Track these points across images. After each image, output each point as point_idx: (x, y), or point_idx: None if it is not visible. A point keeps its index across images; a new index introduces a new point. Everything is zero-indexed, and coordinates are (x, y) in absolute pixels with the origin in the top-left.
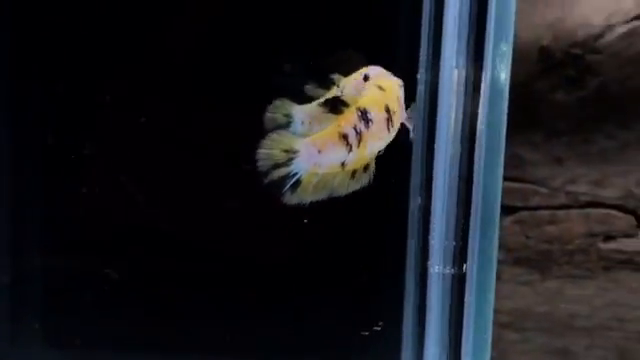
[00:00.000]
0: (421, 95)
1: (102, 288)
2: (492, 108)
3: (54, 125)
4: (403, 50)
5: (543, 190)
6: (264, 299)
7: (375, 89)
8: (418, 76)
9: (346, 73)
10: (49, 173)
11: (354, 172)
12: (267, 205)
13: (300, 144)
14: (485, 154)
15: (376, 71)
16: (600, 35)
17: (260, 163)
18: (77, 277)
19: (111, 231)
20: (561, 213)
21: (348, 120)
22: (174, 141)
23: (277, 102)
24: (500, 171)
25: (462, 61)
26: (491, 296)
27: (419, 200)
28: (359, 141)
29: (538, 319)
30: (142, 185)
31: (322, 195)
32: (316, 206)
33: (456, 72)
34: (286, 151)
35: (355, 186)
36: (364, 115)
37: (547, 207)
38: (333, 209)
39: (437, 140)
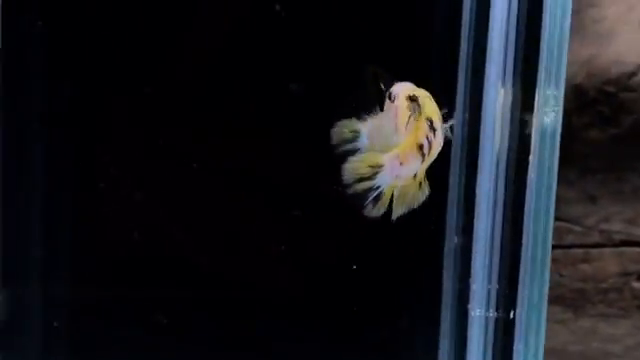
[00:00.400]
0: (458, 133)
1: (133, 321)
2: (542, 152)
3: (89, 160)
4: (440, 89)
5: (577, 228)
6: (296, 338)
7: (429, 99)
8: (454, 121)
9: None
10: (83, 205)
11: (420, 183)
12: (302, 245)
13: (385, 159)
14: (535, 198)
15: (408, 85)
16: (634, 73)
17: (345, 176)
18: (108, 309)
19: (145, 263)
20: (595, 252)
21: (423, 130)
22: (214, 176)
23: (345, 121)
24: (551, 214)
25: (507, 103)
26: (541, 343)
27: (456, 239)
28: (429, 150)
29: (572, 358)
30: (178, 218)
31: (401, 210)
32: (346, 246)
33: (500, 112)
34: (372, 166)
35: (422, 198)
36: (431, 124)
37: (581, 245)
38: (364, 247)
39: (479, 182)
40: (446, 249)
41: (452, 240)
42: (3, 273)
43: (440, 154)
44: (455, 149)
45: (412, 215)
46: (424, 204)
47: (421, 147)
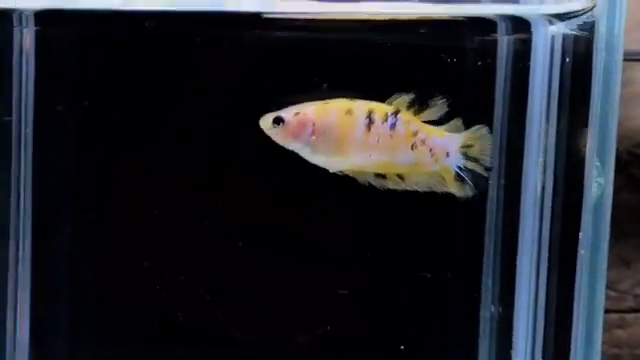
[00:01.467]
0: (493, 198)
1: None
2: (587, 221)
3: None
4: None
5: (612, 293)
6: None
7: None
8: (490, 182)
9: None
10: (108, 268)
11: None
12: (344, 322)
13: None
14: (584, 267)
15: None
16: None
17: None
18: None
19: (174, 324)
20: (629, 317)
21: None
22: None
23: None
24: (603, 287)
25: (550, 166)
26: None
27: (493, 309)
28: None
29: None
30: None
31: None
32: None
33: (540, 175)
34: None
35: None
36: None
37: (616, 311)
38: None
39: (519, 250)
40: (482, 317)
41: (488, 308)
42: (32, 333)
43: (473, 218)
44: (491, 212)
45: (444, 282)
46: (458, 270)
47: None
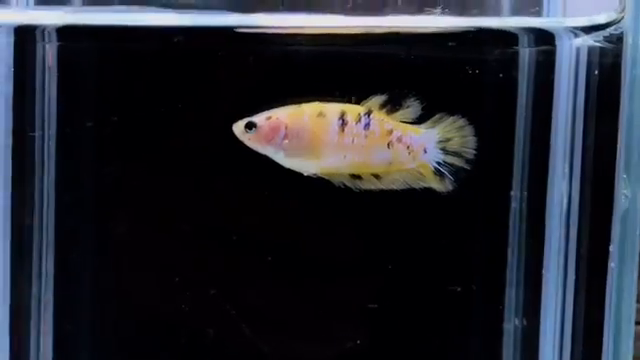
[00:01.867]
0: (515, 211)
1: None
2: (614, 232)
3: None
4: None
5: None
6: None
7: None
8: (512, 193)
9: None
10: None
11: None
12: (356, 326)
13: None
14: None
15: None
16: None
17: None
18: None
19: (198, 339)
20: None
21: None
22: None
23: None
24: (633, 300)
25: (575, 184)
26: None
27: (516, 321)
28: None
29: None
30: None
31: None
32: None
33: (566, 193)
34: None
35: None
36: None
37: (638, 323)
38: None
39: (545, 263)
40: (506, 329)
41: (511, 320)
42: (55, 348)
43: (495, 230)
44: (514, 224)
45: (468, 295)
46: (480, 284)
47: None
